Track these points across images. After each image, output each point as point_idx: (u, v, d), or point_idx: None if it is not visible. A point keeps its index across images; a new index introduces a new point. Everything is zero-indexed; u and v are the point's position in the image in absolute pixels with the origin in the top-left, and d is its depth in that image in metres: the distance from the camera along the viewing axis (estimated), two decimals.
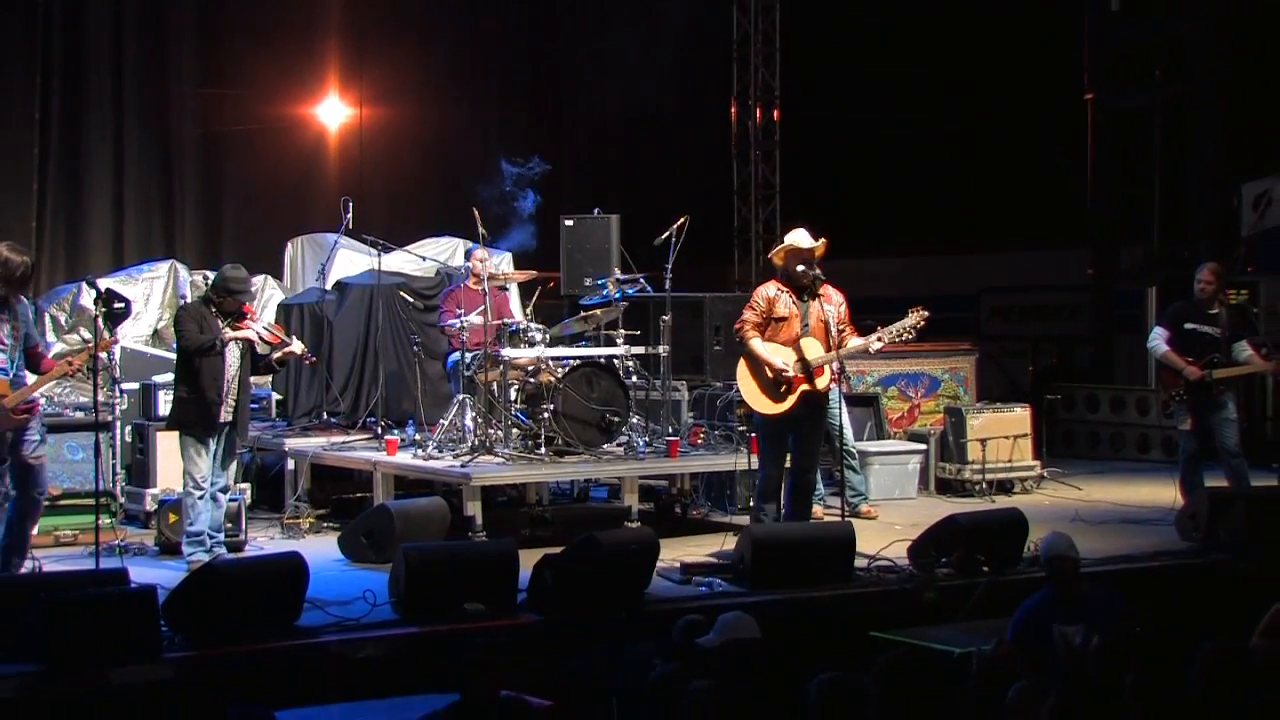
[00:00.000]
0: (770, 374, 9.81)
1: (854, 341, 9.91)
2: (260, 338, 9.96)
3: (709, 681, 5.60)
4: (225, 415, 9.81)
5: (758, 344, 9.85)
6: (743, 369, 10.03)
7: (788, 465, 10.15)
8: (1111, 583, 9.41)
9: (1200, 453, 11.32)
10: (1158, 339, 11.32)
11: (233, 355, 9.79)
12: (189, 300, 9.72)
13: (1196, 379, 11.07)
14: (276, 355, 10.08)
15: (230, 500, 10.46)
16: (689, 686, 5.56)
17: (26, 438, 8.86)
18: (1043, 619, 7.40)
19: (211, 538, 9.96)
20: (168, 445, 10.83)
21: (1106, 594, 7.93)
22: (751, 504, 10.64)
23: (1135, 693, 5.79)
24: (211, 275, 14.36)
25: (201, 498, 9.82)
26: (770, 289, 9.99)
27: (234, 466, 10.28)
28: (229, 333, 9.71)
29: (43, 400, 9.59)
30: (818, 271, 9.96)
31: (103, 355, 9.78)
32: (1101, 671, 6.22)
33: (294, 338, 10.41)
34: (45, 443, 9.11)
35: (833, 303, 9.94)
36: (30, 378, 8.99)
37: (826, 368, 9.86)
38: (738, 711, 5.62)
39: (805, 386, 9.84)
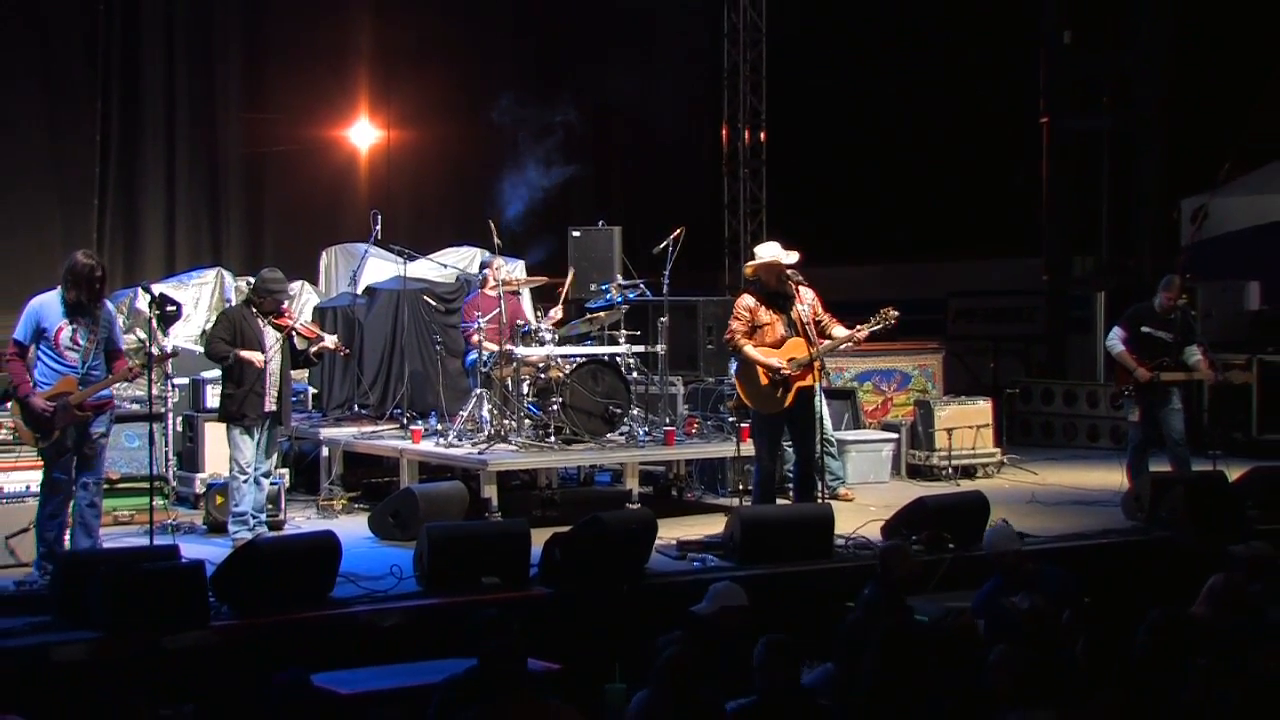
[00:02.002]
0: (767, 376, 9.78)
1: (840, 332, 9.90)
2: (297, 332, 9.98)
3: (680, 646, 5.57)
4: (269, 406, 9.82)
5: (751, 350, 9.82)
6: (743, 374, 10.00)
7: (781, 455, 10.19)
8: (1064, 558, 9.44)
9: (1146, 441, 11.33)
10: (1115, 338, 11.31)
11: (274, 352, 9.79)
12: (233, 303, 9.76)
13: (1146, 380, 11.08)
14: (313, 349, 10.10)
15: (271, 484, 10.47)
16: (661, 651, 5.53)
17: (93, 430, 8.77)
18: (999, 601, 7.37)
19: (254, 517, 9.96)
20: (215, 434, 10.84)
21: (1053, 570, 7.93)
22: (742, 488, 10.65)
23: (1086, 656, 5.80)
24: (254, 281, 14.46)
25: (245, 482, 9.81)
26: (749, 299, 9.98)
27: (276, 454, 10.29)
28: (244, 353, 9.68)
29: (115, 399, 9.53)
30: (795, 274, 9.96)
31: (154, 351, 9.75)
32: (1061, 637, 6.24)
33: (326, 334, 10.40)
34: (107, 436, 8.98)
35: (805, 302, 9.92)
36: None
37: (814, 364, 9.85)
38: (705, 673, 5.60)
39: (802, 383, 9.83)
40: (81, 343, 8.64)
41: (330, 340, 10.19)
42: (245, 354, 9.68)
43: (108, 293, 14.48)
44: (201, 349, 13.15)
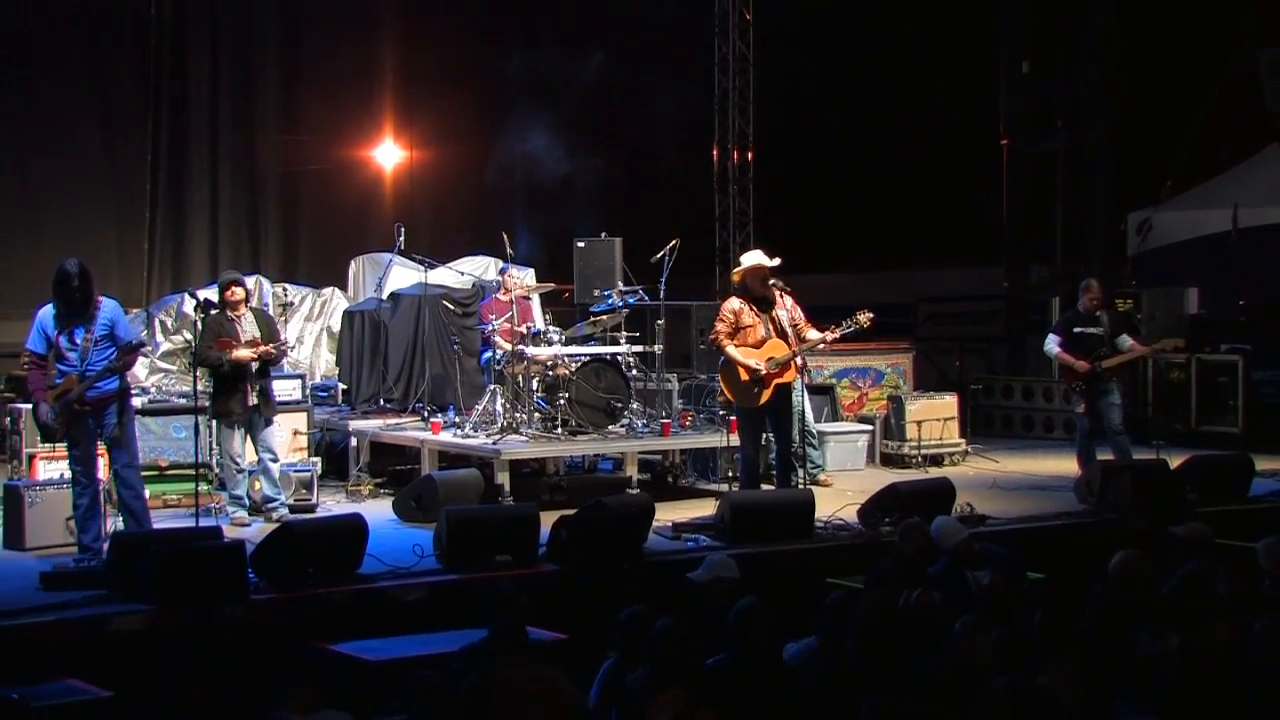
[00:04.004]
0: (746, 375, 9.79)
1: (814, 335, 9.92)
2: (269, 353, 9.97)
3: (671, 619, 5.57)
4: (251, 401, 9.87)
5: (733, 350, 9.84)
6: (725, 371, 10.03)
7: (766, 445, 10.19)
8: (1022, 538, 9.45)
9: (1094, 431, 11.36)
10: (1052, 343, 11.44)
11: (251, 346, 9.86)
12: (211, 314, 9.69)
13: (1086, 371, 11.13)
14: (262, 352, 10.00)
15: (303, 471, 10.50)
16: (656, 623, 5.53)
17: (106, 422, 8.62)
18: (951, 575, 7.35)
19: (272, 501, 9.99)
20: None
21: (998, 549, 7.92)
22: (732, 474, 10.64)
23: (1044, 627, 5.79)
24: (290, 287, 14.46)
25: (239, 471, 9.95)
26: (735, 303, 9.99)
27: (275, 436, 10.25)
28: (236, 353, 9.77)
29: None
30: (779, 281, 9.96)
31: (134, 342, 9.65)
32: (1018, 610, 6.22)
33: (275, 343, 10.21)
34: (123, 425, 8.69)
35: (785, 307, 9.93)
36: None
37: (793, 362, 9.87)
38: (695, 644, 5.60)
39: (778, 380, 9.84)
40: (78, 343, 8.45)
41: (259, 349, 9.99)
42: (237, 354, 9.74)
43: (155, 298, 14.74)
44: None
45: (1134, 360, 11.81)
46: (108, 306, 8.62)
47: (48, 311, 8.54)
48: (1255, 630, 5.60)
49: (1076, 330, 11.28)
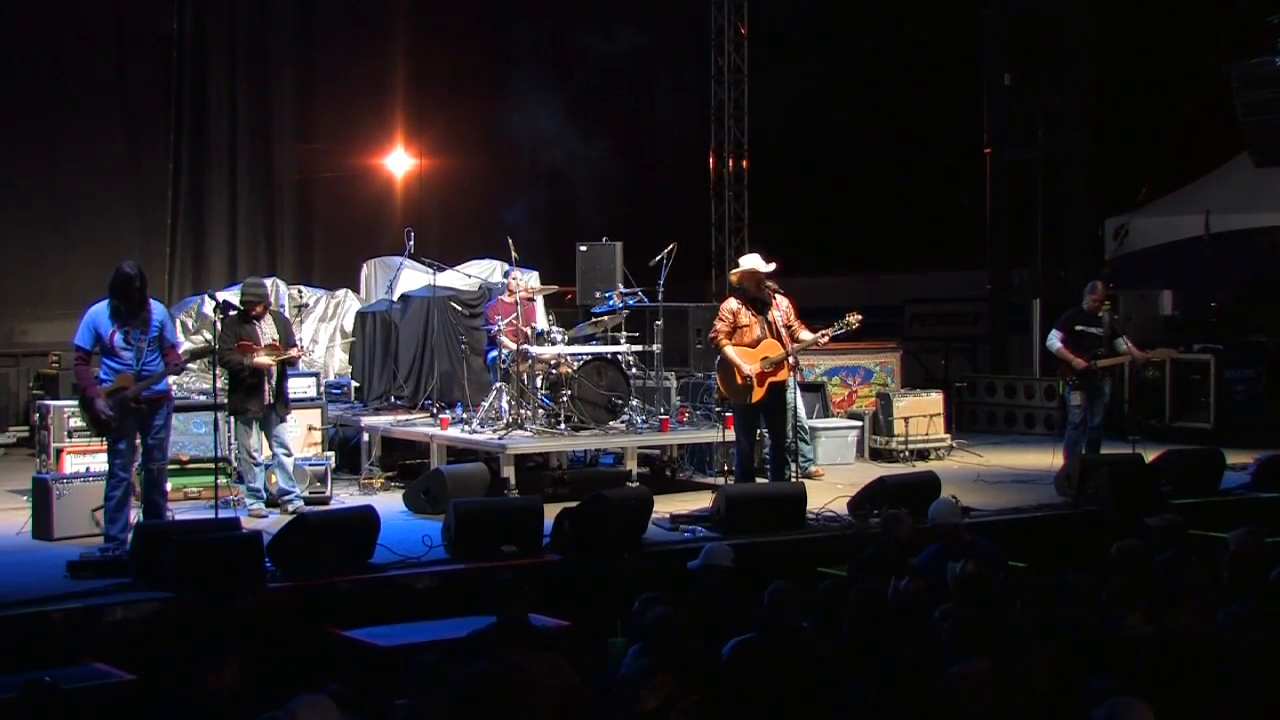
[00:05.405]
0: (741, 375, 9.80)
1: (806, 336, 9.93)
2: (291, 358, 10.06)
3: (668, 607, 5.57)
4: (268, 399, 9.91)
5: (730, 350, 9.84)
6: (722, 369, 10.04)
7: (760, 440, 10.20)
8: (1005, 529, 9.47)
9: (1084, 422, 11.36)
10: (1055, 339, 11.41)
11: (269, 350, 9.91)
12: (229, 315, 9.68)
13: (1083, 369, 11.13)
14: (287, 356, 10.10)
15: (317, 465, 10.50)
16: (651, 610, 5.54)
17: (154, 423, 8.69)
18: (937, 564, 7.37)
19: (287, 494, 9.99)
20: None
21: (984, 540, 7.95)
22: (727, 468, 10.65)
23: (1024, 614, 5.79)
24: (305, 289, 14.45)
25: (256, 465, 9.98)
26: (732, 303, 9.99)
27: (288, 431, 10.29)
28: (257, 359, 9.80)
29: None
30: (774, 285, 9.98)
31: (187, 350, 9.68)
32: (997, 598, 6.23)
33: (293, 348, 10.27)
34: (168, 428, 8.85)
35: (780, 308, 9.94)
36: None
37: (786, 361, 9.87)
38: (692, 631, 5.61)
39: (772, 379, 9.85)
40: (134, 343, 8.49)
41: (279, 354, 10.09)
42: (258, 360, 9.74)
43: (177, 299, 14.74)
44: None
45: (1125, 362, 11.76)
46: (157, 309, 8.72)
47: (101, 310, 8.54)
48: (1219, 618, 5.62)
49: (1079, 328, 11.29)
